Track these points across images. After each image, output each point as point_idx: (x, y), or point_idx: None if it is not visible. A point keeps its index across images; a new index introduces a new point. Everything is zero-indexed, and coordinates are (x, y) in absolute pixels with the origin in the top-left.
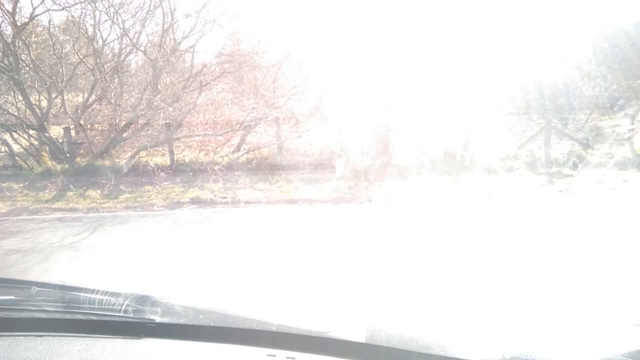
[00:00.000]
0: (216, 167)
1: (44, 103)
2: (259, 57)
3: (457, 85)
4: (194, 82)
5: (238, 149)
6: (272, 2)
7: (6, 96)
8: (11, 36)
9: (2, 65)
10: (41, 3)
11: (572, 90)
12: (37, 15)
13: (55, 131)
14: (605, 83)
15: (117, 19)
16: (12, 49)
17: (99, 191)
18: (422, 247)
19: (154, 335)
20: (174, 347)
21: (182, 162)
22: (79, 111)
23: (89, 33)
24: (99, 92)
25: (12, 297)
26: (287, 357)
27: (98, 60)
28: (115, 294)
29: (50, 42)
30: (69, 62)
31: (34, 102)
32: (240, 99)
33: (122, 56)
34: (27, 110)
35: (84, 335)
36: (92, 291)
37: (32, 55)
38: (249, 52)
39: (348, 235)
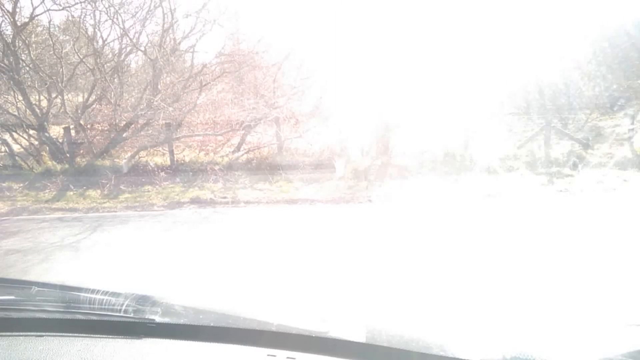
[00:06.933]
0: (216, 167)
1: (44, 103)
2: (259, 57)
3: (457, 85)
4: (194, 82)
5: (238, 149)
6: (272, 2)
7: (6, 96)
8: (11, 36)
9: (2, 65)
10: (41, 3)
11: (572, 90)
12: (37, 15)
13: (55, 131)
14: (605, 83)
15: (117, 18)
16: (12, 49)
17: (99, 191)
18: (422, 248)
19: (154, 335)
20: (174, 347)
21: (182, 162)
22: (79, 111)
23: (89, 33)
24: (99, 92)
25: (12, 297)
26: (287, 357)
27: (98, 60)
28: (116, 294)
29: (50, 42)
30: (69, 62)
31: (34, 102)
32: (240, 99)
33: (122, 56)
34: (27, 110)
35: (84, 335)
36: (92, 291)
37: (32, 55)
38: (249, 52)
39: (348, 236)
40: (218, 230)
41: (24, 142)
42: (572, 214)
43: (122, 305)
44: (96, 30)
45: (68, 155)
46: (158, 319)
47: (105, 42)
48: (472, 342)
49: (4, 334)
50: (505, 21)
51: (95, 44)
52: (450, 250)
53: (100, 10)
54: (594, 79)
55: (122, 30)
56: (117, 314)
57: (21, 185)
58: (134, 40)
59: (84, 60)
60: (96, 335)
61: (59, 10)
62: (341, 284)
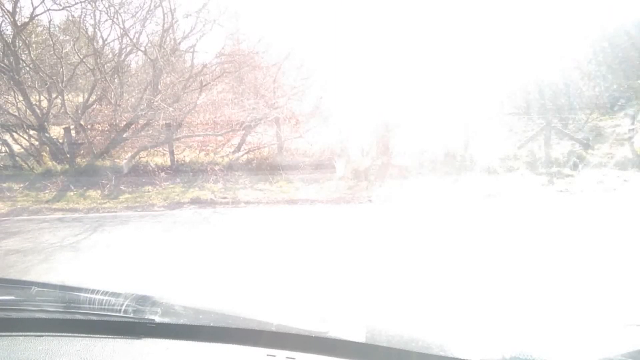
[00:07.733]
0: (216, 167)
1: (44, 103)
2: (259, 57)
3: (457, 86)
4: (194, 82)
5: (238, 149)
6: (272, 2)
7: (6, 96)
8: (11, 36)
9: (2, 65)
10: (41, 3)
11: (572, 90)
12: (37, 15)
13: (56, 131)
14: (606, 83)
15: (117, 18)
16: (12, 49)
17: (99, 191)
18: (422, 248)
19: (154, 335)
20: (174, 347)
21: (183, 162)
22: (79, 111)
23: (89, 33)
24: (99, 92)
25: (12, 297)
26: (287, 357)
27: (98, 60)
28: (115, 294)
29: (51, 42)
30: (69, 62)
31: (34, 102)
32: (241, 99)
33: (122, 56)
34: (28, 111)
35: (84, 335)
36: (92, 291)
37: (32, 55)
38: (249, 52)
39: (348, 236)
40: (218, 230)
41: (25, 143)
42: (572, 214)
43: (122, 305)
44: (96, 30)
45: (68, 155)
46: (158, 319)
47: (105, 42)
48: (471, 342)
49: (3, 334)
50: (506, 21)
51: (95, 44)
52: (450, 250)
53: (100, 10)
54: (594, 79)
55: (122, 30)
56: (117, 314)
57: (21, 185)
58: (134, 40)
59: (84, 60)
60: (96, 336)
61: (59, 10)
62: (341, 284)
